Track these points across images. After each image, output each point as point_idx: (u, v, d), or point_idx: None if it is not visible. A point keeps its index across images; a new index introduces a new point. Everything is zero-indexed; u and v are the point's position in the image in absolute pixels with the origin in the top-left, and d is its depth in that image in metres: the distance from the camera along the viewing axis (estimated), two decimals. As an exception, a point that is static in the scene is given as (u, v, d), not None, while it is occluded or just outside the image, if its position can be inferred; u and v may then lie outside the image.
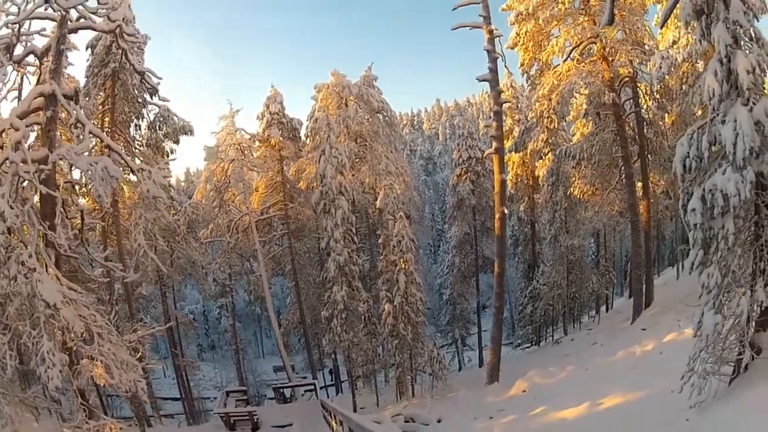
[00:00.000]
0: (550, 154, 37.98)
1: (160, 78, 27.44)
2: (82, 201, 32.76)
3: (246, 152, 39.67)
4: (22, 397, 15.99)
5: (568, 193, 35.54)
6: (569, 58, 27.83)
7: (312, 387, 32.22)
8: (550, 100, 28.17)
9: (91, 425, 14.95)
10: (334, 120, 33.99)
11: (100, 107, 30.56)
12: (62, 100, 17.37)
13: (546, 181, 38.39)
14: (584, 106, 32.24)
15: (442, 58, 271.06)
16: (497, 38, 26.46)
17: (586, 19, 27.45)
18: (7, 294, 14.41)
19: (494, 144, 26.65)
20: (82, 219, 19.58)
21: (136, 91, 31.11)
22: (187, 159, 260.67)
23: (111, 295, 26.11)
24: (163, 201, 17.83)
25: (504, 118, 36.93)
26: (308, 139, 39.77)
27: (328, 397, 34.72)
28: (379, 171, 35.96)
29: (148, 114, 32.08)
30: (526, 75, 30.18)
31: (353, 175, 35.16)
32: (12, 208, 14.80)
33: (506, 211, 27.35)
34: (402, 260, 28.73)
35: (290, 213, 40.18)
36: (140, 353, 20.50)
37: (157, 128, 32.03)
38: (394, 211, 29.31)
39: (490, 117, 28.52)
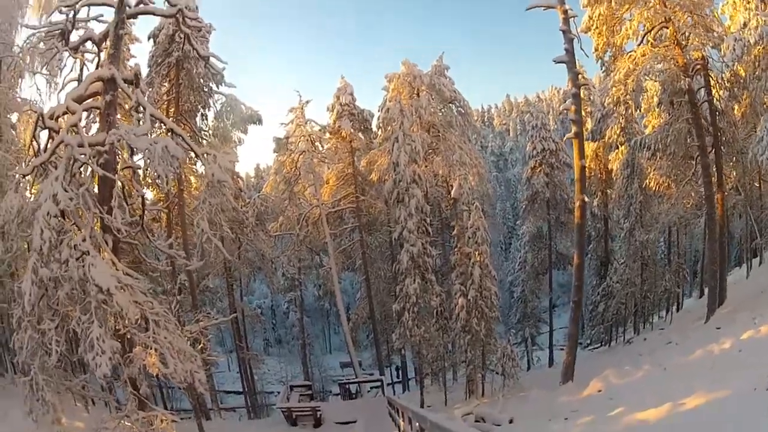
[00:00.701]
0: (623, 147, 36.49)
1: (225, 63, 26.74)
2: (148, 194, 32.93)
3: (316, 144, 39.15)
4: (68, 385, 15.48)
5: (643, 185, 34.00)
6: (644, 41, 26.61)
7: (379, 383, 31.36)
8: (626, 84, 26.59)
9: (140, 416, 14.14)
10: (407, 109, 32.73)
11: (165, 97, 30.29)
12: (122, 84, 16.76)
13: (621, 173, 36.73)
14: (655, 98, 30.69)
15: (512, 54, 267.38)
16: (572, 18, 25.16)
17: (658, 1, 25.89)
18: (57, 278, 13.77)
19: (573, 128, 25.13)
20: (143, 205, 18.87)
21: (201, 80, 30.78)
22: (257, 154, 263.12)
23: (174, 284, 25.45)
24: (229, 186, 16.83)
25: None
26: (380, 130, 39.01)
27: (394, 394, 33.57)
28: (452, 162, 34.82)
29: (214, 103, 31.73)
30: (600, 61, 28.66)
31: (426, 167, 33.92)
32: (66, 191, 14.24)
33: (586, 199, 25.82)
34: (477, 252, 27.42)
35: (361, 206, 39.35)
36: (202, 344, 19.94)
37: (224, 117, 31.61)
38: (469, 201, 27.98)
39: (567, 100, 27.07)
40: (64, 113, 16.47)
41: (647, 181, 32.09)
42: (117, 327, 14.05)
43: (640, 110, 35.81)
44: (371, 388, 33.20)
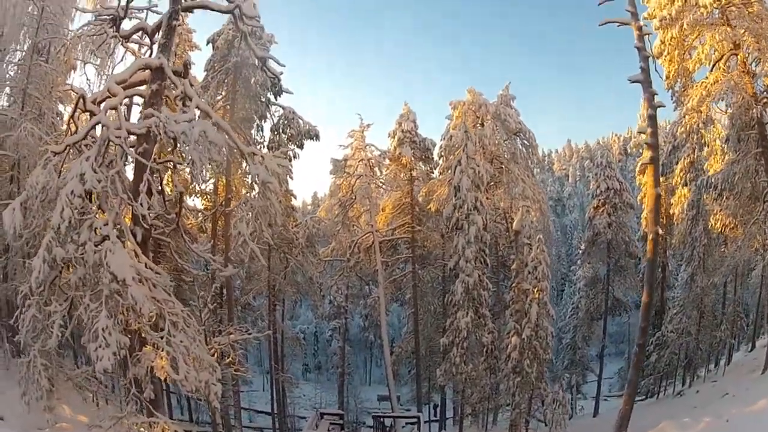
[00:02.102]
0: (686, 189, 34.50)
1: (283, 66, 25.66)
2: (197, 203, 32.11)
3: (375, 169, 38.13)
4: (70, 375, 14.44)
5: (707, 228, 32.22)
6: (715, 68, 25.28)
7: (415, 420, 29.61)
8: (699, 112, 25.64)
9: (139, 420, 12.76)
10: (472, 133, 31.36)
11: (220, 103, 29.63)
12: (170, 74, 15.92)
13: (685, 215, 34.50)
14: (723, 133, 28.70)
15: (573, 100, 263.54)
16: (646, 36, 23.67)
17: (727, 28, 24.57)
18: (70, 260, 12.76)
19: (649, 153, 23.30)
20: (180, 202, 17.86)
21: (258, 89, 30.10)
22: (314, 183, 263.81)
23: (207, 292, 24.32)
24: (275, 191, 15.54)
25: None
26: (441, 159, 37.72)
27: (429, 432, 31.68)
28: (514, 194, 33.59)
29: (271, 115, 30.97)
30: (671, 91, 26.97)
31: (487, 198, 32.27)
32: (96, 172, 13.33)
33: (660, 231, 23.97)
34: (536, 289, 25.64)
35: (417, 237, 37.88)
36: (231, 358, 18.82)
37: (281, 131, 30.65)
38: (531, 235, 26.25)
39: (644, 122, 25.15)
40: (107, 98, 15.55)
41: (712, 221, 30.21)
42: (128, 322, 12.84)
43: (702, 152, 33.58)
44: (406, 424, 31.37)
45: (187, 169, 29.84)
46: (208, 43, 29.99)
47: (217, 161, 15.57)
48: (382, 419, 31.78)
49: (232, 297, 28.54)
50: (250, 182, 28.47)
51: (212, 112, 16.34)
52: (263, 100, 30.37)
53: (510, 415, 26.99)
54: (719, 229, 30.08)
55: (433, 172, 39.26)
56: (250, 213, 15.88)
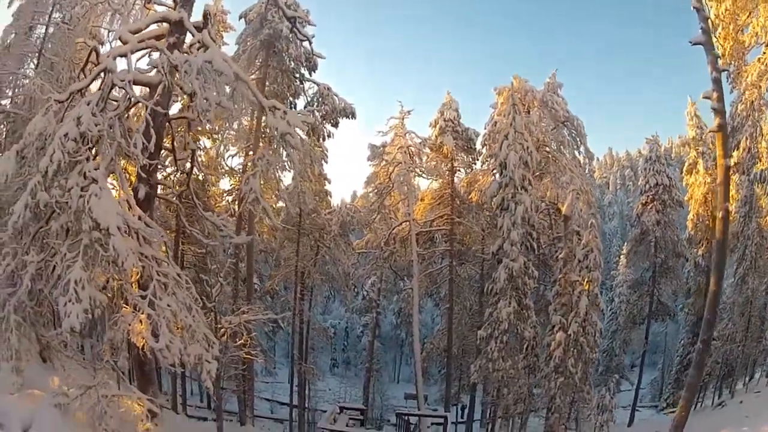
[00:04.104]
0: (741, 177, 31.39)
1: (314, 25, 24.27)
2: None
3: (414, 158, 36.27)
4: (48, 337, 13.26)
5: (762, 224, 30.31)
6: None
7: (442, 421, 27.61)
8: (759, 87, 23.83)
9: (108, 392, 11.08)
10: (520, 106, 29.32)
11: (252, 77, 27.82)
12: (190, 27, 15.08)
13: (737, 212, 31.72)
14: None
15: (615, 107, 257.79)
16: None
17: None
18: (51, 205, 11.26)
19: (716, 120, 20.78)
20: (192, 161, 16.29)
21: (292, 63, 28.60)
22: (353, 182, 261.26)
23: (220, 267, 22.75)
24: (295, 144, 13.84)
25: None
26: (485, 147, 35.54)
27: (456, 434, 29.70)
28: (562, 183, 31.20)
29: (305, 92, 29.39)
30: (725, 73, 24.59)
31: (533, 186, 30.22)
32: (95, 116, 12.18)
33: (730, 208, 21.58)
34: (586, 279, 23.50)
35: (456, 230, 36.02)
36: (243, 340, 17.27)
37: (315, 109, 28.96)
38: (581, 222, 24.15)
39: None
40: (123, 55, 14.17)
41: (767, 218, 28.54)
42: (108, 279, 11.20)
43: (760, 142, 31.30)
44: (432, 424, 29.96)
45: (209, 146, 29.08)
46: (240, 17, 28.69)
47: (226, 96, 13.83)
48: (407, 417, 30.01)
49: (252, 276, 26.88)
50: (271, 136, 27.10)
51: (231, 62, 14.75)
52: (297, 75, 28.82)
53: (547, 420, 24.70)
54: None
55: (475, 163, 37.34)
56: (264, 168, 14.24)
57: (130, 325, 11.05)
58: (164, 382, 28.93)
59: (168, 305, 11.39)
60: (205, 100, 12.26)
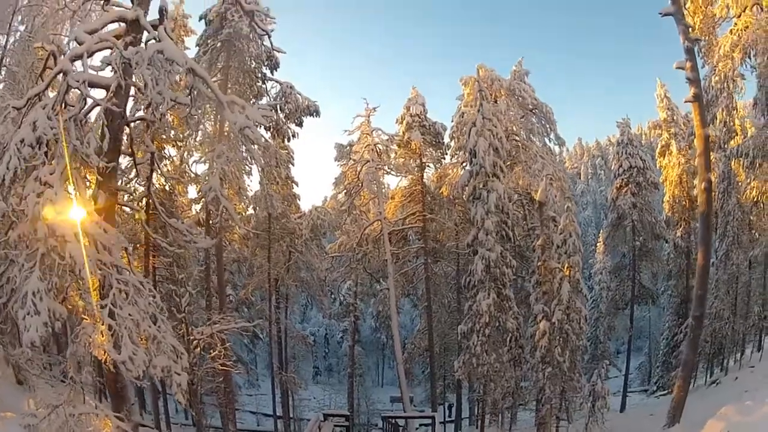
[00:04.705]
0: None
1: (274, 19, 23.69)
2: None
3: (382, 155, 35.75)
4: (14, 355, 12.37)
5: (740, 201, 30.54)
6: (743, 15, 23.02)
7: (430, 421, 27.05)
8: (732, 58, 23.35)
9: (75, 411, 10.35)
10: (487, 92, 29.07)
11: (212, 79, 27.11)
12: (147, 25, 14.16)
13: (716, 189, 31.43)
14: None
15: (584, 98, 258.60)
16: None
17: None
18: (8, 214, 10.86)
19: (691, 90, 20.73)
20: (152, 164, 15.58)
21: (253, 63, 27.99)
22: (321, 188, 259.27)
23: (187, 276, 22.04)
24: (255, 138, 13.25)
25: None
26: (453, 140, 35.22)
27: (445, 434, 29.11)
28: (534, 172, 30.89)
29: (268, 92, 28.60)
30: (696, 47, 24.50)
31: (503, 181, 29.84)
32: (50, 119, 11.66)
33: (712, 179, 21.52)
34: (566, 265, 22.99)
35: (428, 227, 35.54)
36: (217, 351, 16.61)
37: (278, 108, 28.31)
38: (556, 209, 23.80)
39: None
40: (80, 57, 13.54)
41: (747, 192, 28.34)
42: (67, 288, 10.49)
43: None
44: (420, 425, 29.31)
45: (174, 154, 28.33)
46: (200, 19, 27.92)
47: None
48: (393, 420, 29.41)
49: (223, 285, 26.11)
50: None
51: (187, 57, 14.17)
52: (259, 74, 28.14)
53: (538, 412, 24.13)
54: (755, 198, 28.20)
55: (444, 158, 36.78)
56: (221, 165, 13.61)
57: (90, 337, 10.32)
58: (148, 401, 28.09)
59: (129, 315, 10.69)
60: (158, 95, 11.55)
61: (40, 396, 12.05)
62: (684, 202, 36.56)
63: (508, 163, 31.24)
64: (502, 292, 24.24)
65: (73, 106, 12.75)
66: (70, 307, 10.66)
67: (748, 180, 28.27)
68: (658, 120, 37.88)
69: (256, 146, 13.68)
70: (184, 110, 24.98)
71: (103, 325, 10.36)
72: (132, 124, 15.79)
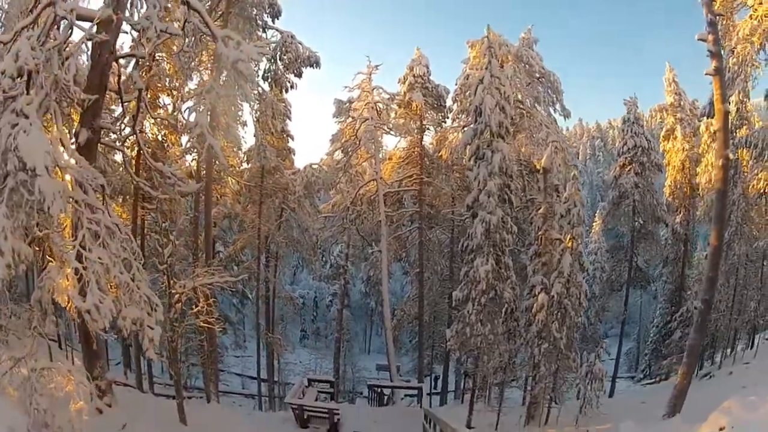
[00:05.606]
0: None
1: None
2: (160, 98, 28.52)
3: (382, 114, 35.09)
4: None
5: (746, 190, 29.48)
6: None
7: (416, 392, 26.81)
8: (752, 42, 23.08)
9: (38, 365, 9.46)
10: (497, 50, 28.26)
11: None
12: None
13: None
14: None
15: (585, 77, 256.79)
16: None
17: None
18: None
19: (713, 63, 19.28)
20: (139, 101, 14.53)
21: (254, 10, 27.07)
22: (317, 151, 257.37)
23: (172, 223, 21.07)
24: (248, 74, 12.23)
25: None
26: (455, 103, 33.87)
27: (431, 406, 28.23)
28: (537, 140, 29.98)
29: (268, 41, 27.40)
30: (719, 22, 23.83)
31: (508, 143, 28.57)
32: (34, 50, 10.72)
33: (731, 156, 20.18)
34: (569, 236, 21.81)
35: (425, 192, 34.90)
36: (200, 307, 15.74)
37: (278, 59, 27.30)
38: (560, 177, 22.79)
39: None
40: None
41: (754, 183, 28.04)
42: (35, 226, 9.52)
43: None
44: (406, 395, 28.56)
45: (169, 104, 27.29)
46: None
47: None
48: (378, 389, 28.74)
49: (210, 237, 25.20)
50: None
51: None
52: (260, 22, 27.18)
53: (532, 389, 22.83)
54: (761, 189, 27.92)
55: (444, 122, 35.82)
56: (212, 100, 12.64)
57: (54, 281, 9.40)
58: (133, 360, 27.04)
59: (99, 258, 9.76)
60: (146, 19, 10.55)
61: (4, 349, 11.17)
62: (685, 189, 36.02)
63: (512, 130, 30.30)
64: (502, 260, 22.52)
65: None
66: (37, 249, 9.66)
67: (755, 171, 27.89)
68: (664, 104, 37.04)
69: (248, 84, 12.54)
70: (180, 58, 24.10)
71: (69, 268, 9.44)
72: (122, 61, 14.88)
